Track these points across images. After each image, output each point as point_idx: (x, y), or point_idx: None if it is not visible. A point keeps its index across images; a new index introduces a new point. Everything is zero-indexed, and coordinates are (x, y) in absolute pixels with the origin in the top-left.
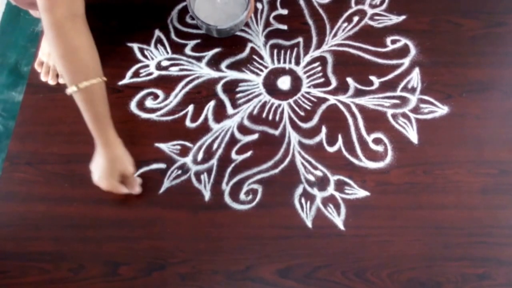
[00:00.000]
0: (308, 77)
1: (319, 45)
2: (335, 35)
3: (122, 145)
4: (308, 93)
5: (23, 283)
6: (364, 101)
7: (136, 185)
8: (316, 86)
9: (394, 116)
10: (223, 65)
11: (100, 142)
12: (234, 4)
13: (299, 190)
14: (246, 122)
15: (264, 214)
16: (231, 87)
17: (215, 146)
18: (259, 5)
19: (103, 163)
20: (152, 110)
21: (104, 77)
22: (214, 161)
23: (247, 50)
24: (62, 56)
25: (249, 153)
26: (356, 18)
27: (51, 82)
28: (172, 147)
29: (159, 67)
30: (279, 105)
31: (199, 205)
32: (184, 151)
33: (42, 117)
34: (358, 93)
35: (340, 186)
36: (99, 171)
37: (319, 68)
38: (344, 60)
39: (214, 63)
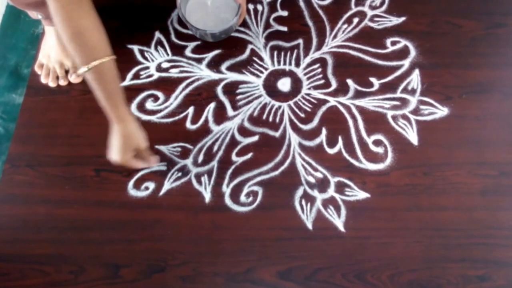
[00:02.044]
0: (308, 78)
1: (319, 47)
2: (335, 36)
3: (135, 121)
4: (308, 94)
5: (24, 285)
6: (364, 102)
7: (150, 160)
8: (316, 87)
9: (394, 117)
10: (223, 67)
11: (113, 119)
12: (225, 8)
13: (300, 192)
14: (247, 124)
15: (265, 216)
16: (231, 89)
17: (215, 148)
18: (259, 7)
19: (117, 139)
20: (153, 112)
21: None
22: (214, 163)
23: (247, 51)
24: (70, 38)
25: (249, 155)
26: (356, 20)
27: (52, 84)
28: (173, 149)
29: (159, 69)
30: (279, 107)
31: (200, 207)
32: (184, 153)
33: (43, 119)
34: (358, 94)
35: (340, 187)
36: (114, 146)
37: (319, 70)
38: (344, 61)
39: (214, 65)
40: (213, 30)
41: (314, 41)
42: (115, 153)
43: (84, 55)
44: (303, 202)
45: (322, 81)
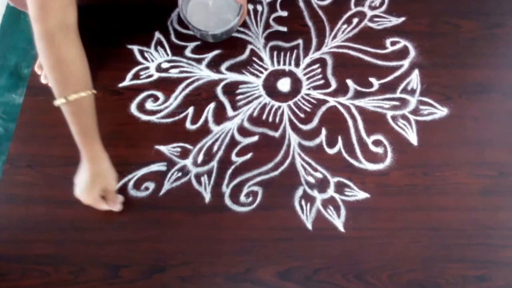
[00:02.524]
0: (308, 79)
1: (318, 47)
2: (334, 36)
3: (108, 160)
4: (308, 95)
5: (23, 285)
6: (364, 103)
7: (117, 202)
8: (316, 88)
9: (394, 118)
10: (223, 67)
11: (85, 155)
12: (227, 8)
13: (299, 192)
14: (246, 124)
15: (264, 216)
16: (231, 89)
17: (215, 148)
18: (259, 7)
19: (86, 177)
20: (152, 112)
21: (94, 90)
22: (214, 163)
23: (247, 52)
24: (52, 67)
25: (249, 155)
26: (355, 20)
27: None
28: (172, 149)
29: (159, 69)
30: (279, 107)
31: (200, 207)
32: (184, 153)
33: (43, 119)
34: (358, 95)
35: (340, 188)
36: (81, 184)
37: (319, 70)
38: (343, 62)
39: (214, 65)
40: (214, 31)
41: (314, 41)
42: (82, 192)
43: (64, 86)
44: (303, 202)
45: (321, 81)
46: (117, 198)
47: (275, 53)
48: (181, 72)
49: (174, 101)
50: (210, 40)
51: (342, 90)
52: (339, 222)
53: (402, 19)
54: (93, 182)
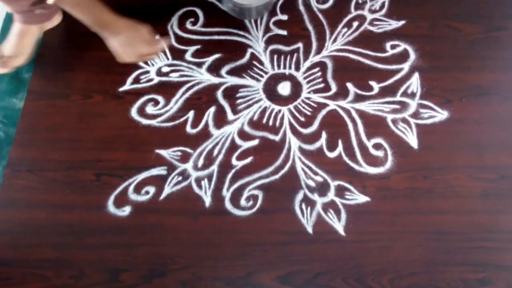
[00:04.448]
0: (308, 82)
1: (319, 51)
2: (334, 40)
3: (126, 20)
4: (308, 98)
5: None
6: (364, 106)
7: (160, 43)
8: (316, 91)
9: (394, 121)
10: (223, 71)
11: (105, 30)
12: None
13: (300, 196)
14: (247, 128)
15: (265, 220)
16: (231, 93)
17: (215, 152)
18: None
19: (119, 43)
20: (153, 116)
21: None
22: (214, 167)
23: (247, 55)
24: None
25: (249, 159)
26: (355, 23)
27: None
28: (173, 153)
29: (159, 73)
30: (279, 111)
31: (200, 211)
32: (184, 157)
33: (43, 123)
34: (358, 98)
35: (340, 191)
36: (120, 50)
37: (319, 74)
38: (344, 65)
39: (214, 69)
40: (258, 3)
41: (314, 45)
42: (125, 55)
43: None
44: (303, 206)
45: (322, 85)
46: (157, 39)
47: (275, 56)
48: (182, 76)
49: (174, 105)
50: (249, 17)
51: (342, 93)
52: (339, 226)
53: (402, 22)
54: (128, 43)
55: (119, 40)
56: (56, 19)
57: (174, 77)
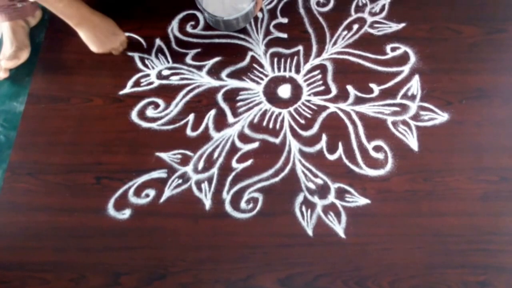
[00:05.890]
0: (308, 85)
1: (319, 53)
2: (335, 43)
3: (100, 15)
4: (308, 101)
5: None
6: (364, 108)
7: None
8: (316, 94)
9: (394, 123)
10: (223, 74)
11: (83, 23)
12: None
13: (300, 198)
14: (247, 131)
15: (265, 222)
16: (231, 96)
17: (215, 155)
18: (259, 14)
19: (99, 33)
20: (153, 119)
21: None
22: (214, 170)
23: (248, 58)
24: None
25: (249, 162)
26: (356, 26)
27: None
28: (173, 156)
29: (160, 76)
30: (280, 113)
31: (200, 214)
32: (184, 160)
33: (43, 127)
34: (358, 100)
35: (340, 194)
36: (94, 44)
37: (319, 76)
38: (344, 68)
39: (214, 72)
40: (229, 17)
41: (314, 47)
42: (98, 47)
43: None
44: (304, 209)
45: (322, 88)
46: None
47: (275, 59)
48: (182, 79)
49: (174, 108)
50: (222, 29)
51: (342, 96)
52: (339, 228)
53: (403, 25)
54: (102, 35)
55: (94, 32)
56: (38, 15)
57: (174, 80)
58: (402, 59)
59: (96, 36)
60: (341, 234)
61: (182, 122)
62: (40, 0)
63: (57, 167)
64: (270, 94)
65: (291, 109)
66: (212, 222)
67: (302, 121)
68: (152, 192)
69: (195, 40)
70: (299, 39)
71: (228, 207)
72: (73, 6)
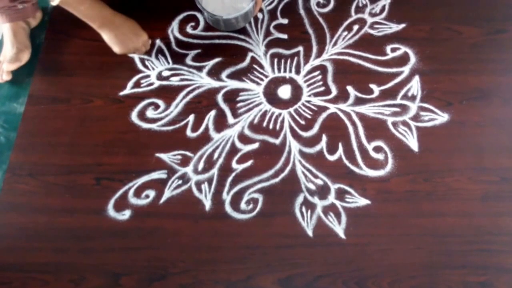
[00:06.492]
0: (308, 86)
1: (319, 54)
2: (335, 43)
3: (121, 16)
4: (308, 101)
5: None
6: (365, 109)
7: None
8: (316, 94)
9: (395, 124)
10: (223, 75)
11: (105, 25)
12: None
13: (300, 199)
14: (247, 131)
15: (265, 223)
16: (231, 97)
17: (215, 155)
18: (259, 15)
19: (121, 34)
20: (153, 120)
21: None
22: (214, 171)
23: (248, 59)
24: None
25: (249, 162)
26: (356, 27)
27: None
28: (173, 157)
29: (160, 77)
30: (280, 114)
31: (200, 214)
32: (184, 161)
33: (44, 128)
34: (358, 101)
35: (340, 194)
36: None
37: (320, 77)
38: (344, 68)
39: (214, 73)
40: (228, 16)
41: (314, 48)
42: (120, 49)
43: None
44: (304, 209)
45: (322, 88)
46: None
47: (275, 60)
48: (182, 80)
49: (174, 109)
50: (222, 29)
51: (342, 96)
52: (340, 229)
53: (403, 25)
54: (124, 36)
55: (116, 33)
56: (38, 16)
57: (174, 81)
58: (402, 60)
59: (118, 37)
60: (341, 234)
61: (182, 123)
62: (63, 3)
63: (57, 168)
64: (270, 95)
65: (291, 109)
66: (212, 223)
67: (302, 122)
68: (152, 193)
69: (195, 41)
70: (299, 39)
71: (228, 208)
72: (95, 8)
